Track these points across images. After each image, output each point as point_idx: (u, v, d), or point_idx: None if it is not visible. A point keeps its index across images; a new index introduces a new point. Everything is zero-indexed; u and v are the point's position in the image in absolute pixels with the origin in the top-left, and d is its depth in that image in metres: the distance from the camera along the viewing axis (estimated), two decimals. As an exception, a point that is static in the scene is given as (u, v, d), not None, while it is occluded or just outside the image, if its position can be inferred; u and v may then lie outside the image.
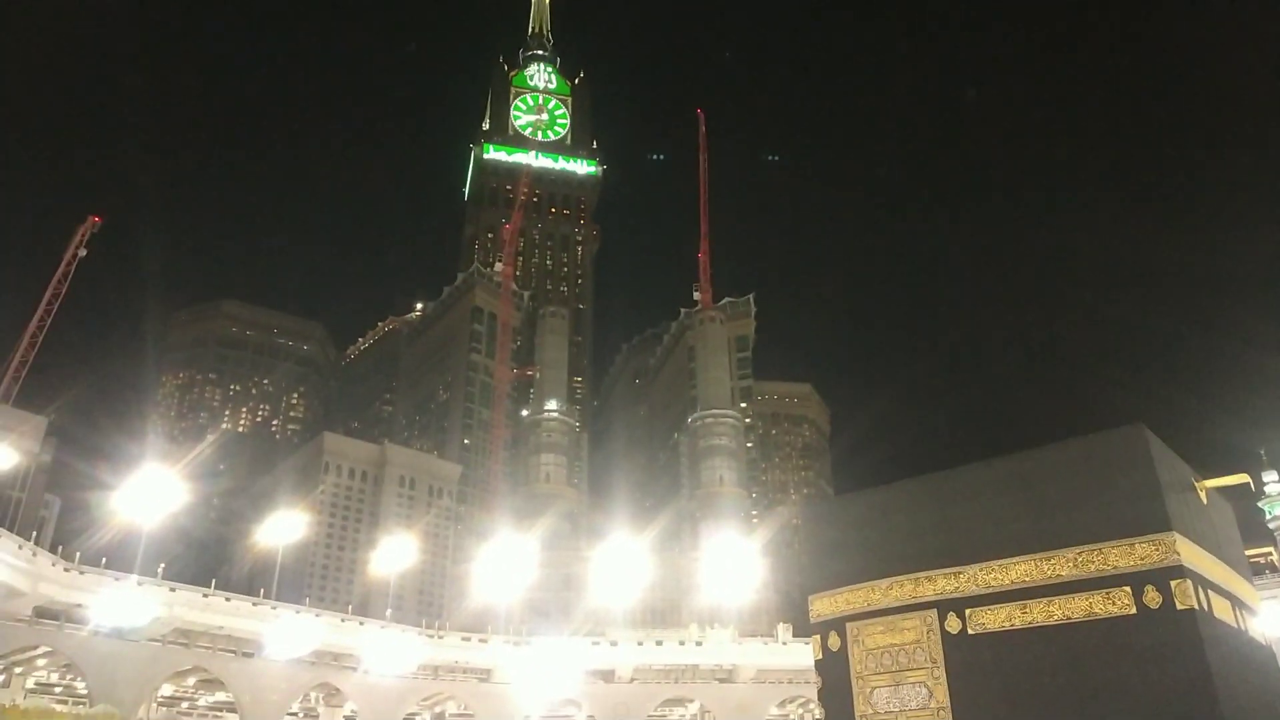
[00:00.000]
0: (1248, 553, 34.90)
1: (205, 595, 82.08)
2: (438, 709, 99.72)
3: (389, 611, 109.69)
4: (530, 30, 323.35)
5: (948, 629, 26.77)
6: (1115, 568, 23.74)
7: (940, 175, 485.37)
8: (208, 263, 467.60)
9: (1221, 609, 24.18)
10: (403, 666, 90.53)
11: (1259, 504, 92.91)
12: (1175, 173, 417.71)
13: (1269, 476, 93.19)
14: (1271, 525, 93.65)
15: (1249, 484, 31.35)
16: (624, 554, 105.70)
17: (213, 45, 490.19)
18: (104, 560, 79.15)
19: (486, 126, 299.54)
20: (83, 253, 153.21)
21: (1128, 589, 23.38)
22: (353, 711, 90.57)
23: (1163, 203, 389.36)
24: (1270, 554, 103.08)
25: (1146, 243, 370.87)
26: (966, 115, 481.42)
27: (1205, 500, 27.42)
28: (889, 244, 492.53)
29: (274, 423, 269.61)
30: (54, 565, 72.93)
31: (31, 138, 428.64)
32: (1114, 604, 23.62)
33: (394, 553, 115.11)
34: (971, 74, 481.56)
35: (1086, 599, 24.04)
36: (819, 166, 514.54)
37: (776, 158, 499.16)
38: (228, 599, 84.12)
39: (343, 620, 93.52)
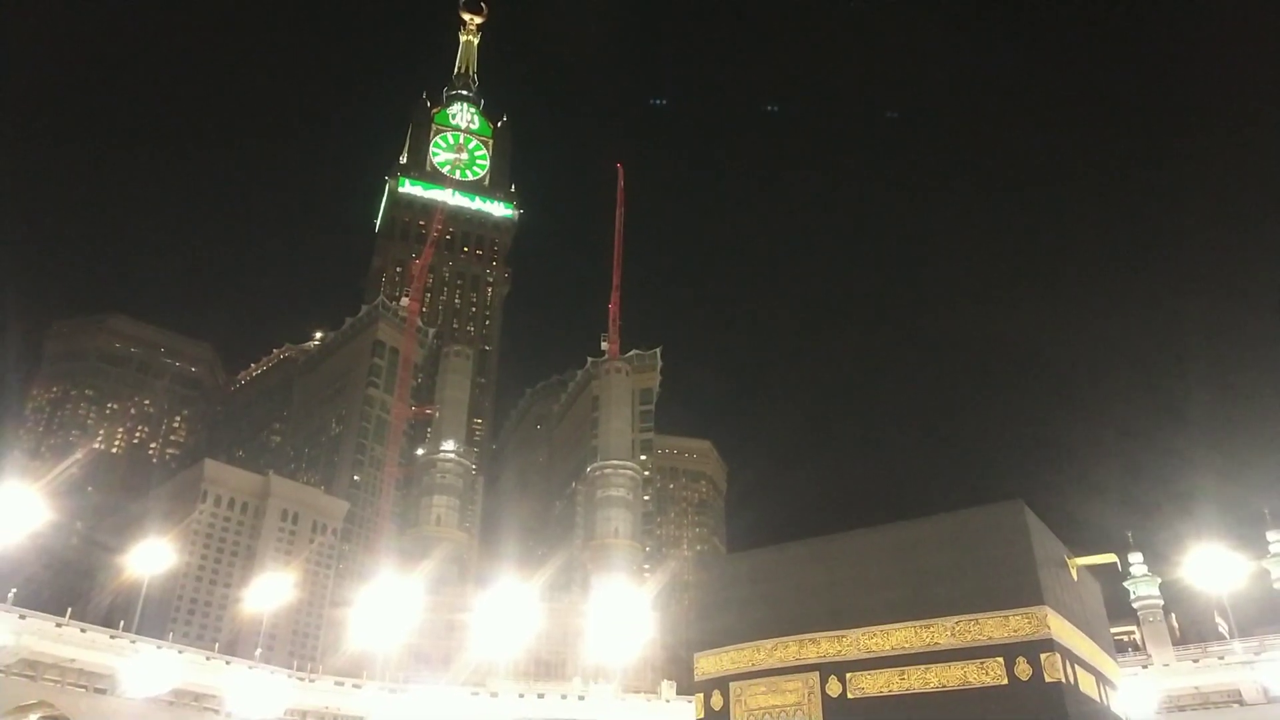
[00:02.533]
0: (1112, 630, 36.53)
1: (59, 625, 76.82)
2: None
3: (259, 651, 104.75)
4: (456, 70, 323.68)
5: (828, 692, 27.11)
6: (990, 638, 24.54)
7: (842, 245, 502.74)
8: (95, 274, 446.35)
9: (1087, 683, 25.18)
10: (269, 710, 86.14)
11: (1124, 584, 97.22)
12: (1059, 259, 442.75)
13: (1135, 557, 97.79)
14: (1135, 605, 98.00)
15: (1116, 563, 32.95)
16: (511, 602, 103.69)
17: (118, 45, 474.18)
18: (-54, 582, 73.46)
19: (404, 160, 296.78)
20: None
21: (1000, 660, 24.19)
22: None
23: (1053, 289, 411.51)
24: (1133, 632, 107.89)
25: (1036, 326, 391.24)
26: (864, 192, 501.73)
27: (1076, 577, 28.67)
28: (793, 309, 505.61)
29: (152, 445, 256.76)
30: (-112, 585, 67.33)
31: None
32: (987, 674, 24.37)
33: (269, 589, 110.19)
34: (874, 133, 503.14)
35: (962, 668, 24.75)
36: (729, 224, 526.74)
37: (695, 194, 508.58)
38: (83, 630, 78.88)
39: (208, 658, 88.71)
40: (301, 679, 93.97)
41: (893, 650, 25.72)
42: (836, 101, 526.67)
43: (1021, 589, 24.51)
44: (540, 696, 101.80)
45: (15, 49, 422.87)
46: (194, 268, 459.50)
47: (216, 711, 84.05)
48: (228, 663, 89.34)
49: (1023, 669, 23.31)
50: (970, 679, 24.00)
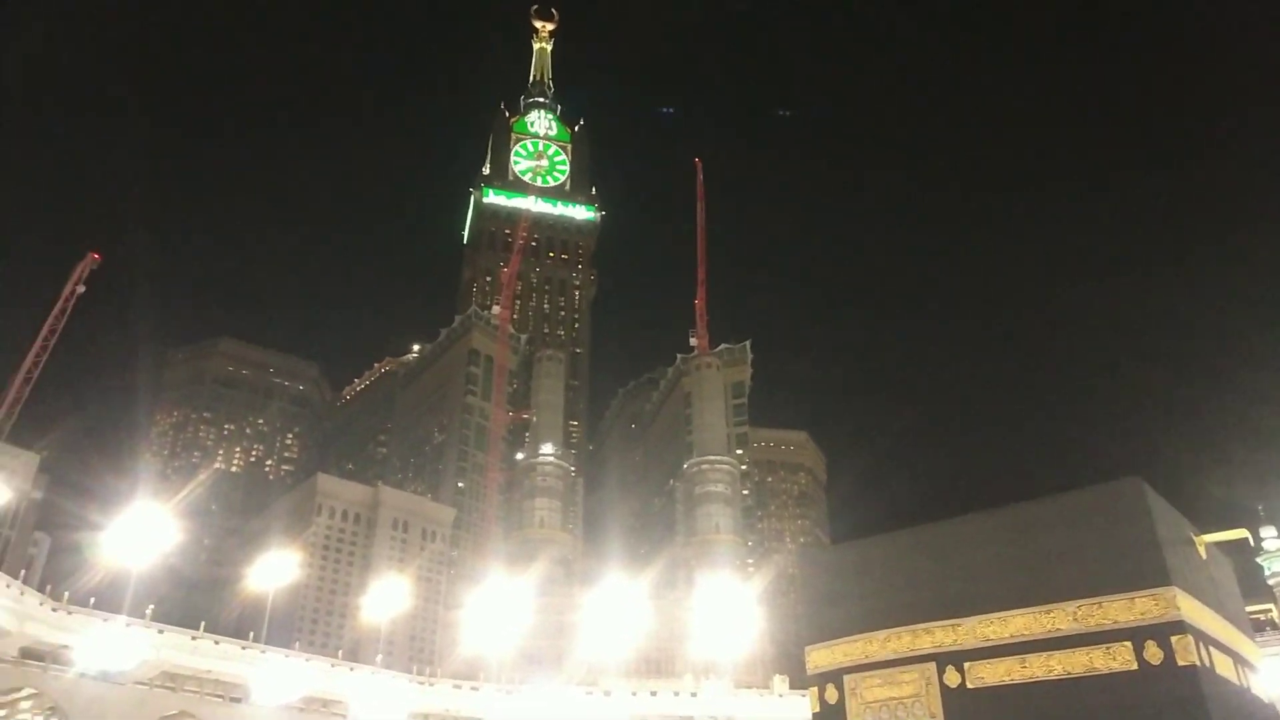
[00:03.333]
0: (1248, 609, 34.77)
1: (194, 638, 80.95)
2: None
3: (379, 657, 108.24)
4: (532, 78, 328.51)
5: (946, 682, 26.56)
6: (1115, 622, 23.64)
7: (941, 221, 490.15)
8: (206, 301, 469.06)
9: (1223, 665, 24.02)
10: (392, 713, 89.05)
11: (1258, 560, 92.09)
12: (1184, 228, 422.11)
13: (1267, 532, 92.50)
14: (1271, 581, 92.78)
15: (1248, 539, 31.41)
16: (618, 601, 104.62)
17: (217, 88, 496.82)
18: (92, 600, 78.21)
19: (487, 171, 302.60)
20: (81, 289, 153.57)
21: (1128, 644, 23.28)
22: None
23: (1170, 254, 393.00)
24: (1270, 611, 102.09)
25: (1152, 295, 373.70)
26: (969, 160, 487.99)
27: (1204, 555, 27.37)
28: (887, 291, 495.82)
29: (267, 463, 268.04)
30: (41, 604, 72.07)
31: (33, 174, 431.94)
32: (1114, 659, 23.48)
33: (385, 597, 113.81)
34: (978, 114, 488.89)
35: (1087, 654, 23.93)
36: (816, 213, 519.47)
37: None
38: (216, 642, 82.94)
39: (332, 665, 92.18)
40: (421, 682, 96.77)
41: (1012, 638, 25.09)
42: (926, 88, 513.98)
43: (1146, 570, 23.57)
44: (653, 694, 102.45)
45: (142, 101, 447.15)
46: (296, 291, 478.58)
47: (344, 716, 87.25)
48: (351, 669, 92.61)
49: (1153, 653, 22.43)
50: (1096, 664, 23.22)
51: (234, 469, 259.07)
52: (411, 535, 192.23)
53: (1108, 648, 23.29)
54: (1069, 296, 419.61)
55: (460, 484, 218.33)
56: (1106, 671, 23.11)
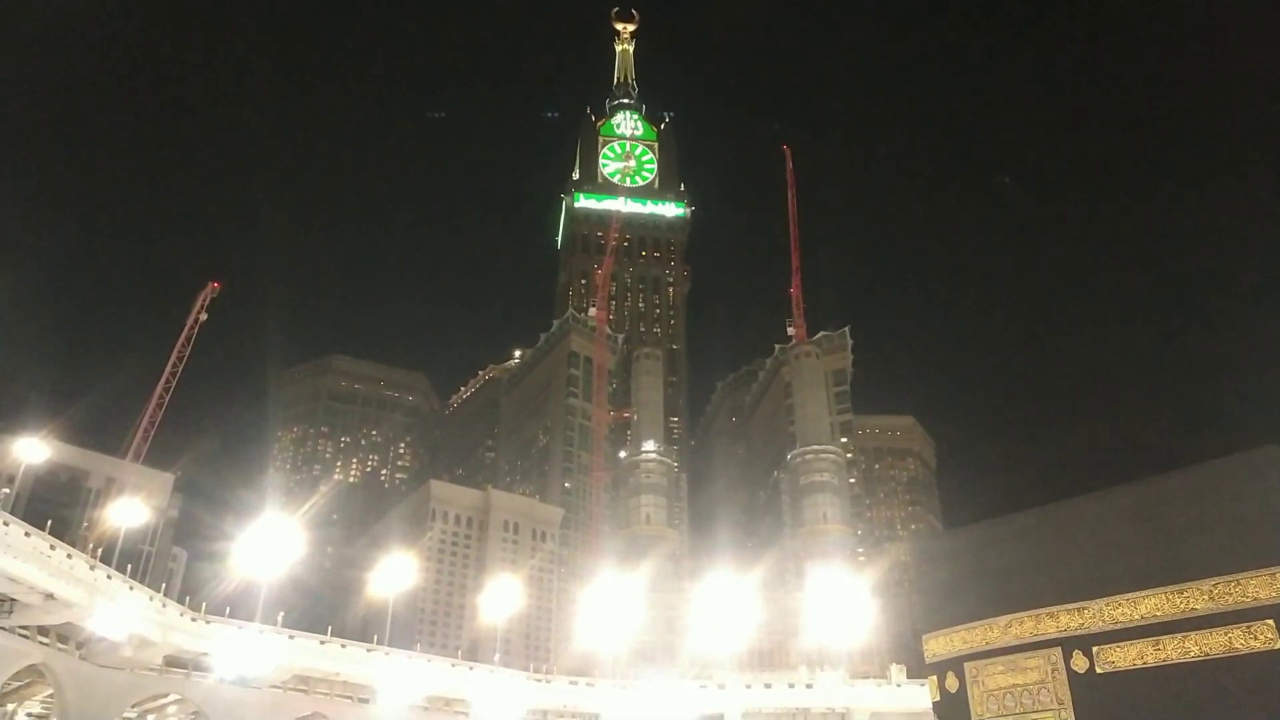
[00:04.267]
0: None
1: (322, 642, 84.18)
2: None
3: (497, 655, 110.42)
4: (615, 80, 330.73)
5: (1074, 668, 25.49)
6: (1255, 599, 22.20)
7: (1045, 190, 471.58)
8: (318, 320, 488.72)
9: (1380, 642, 22.32)
10: (512, 710, 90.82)
11: None
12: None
13: None
14: None
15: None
16: (728, 594, 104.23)
17: (323, 116, 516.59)
18: (228, 609, 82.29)
19: (576, 176, 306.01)
20: (204, 317, 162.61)
21: (1271, 622, 21.84)
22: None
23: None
24: None
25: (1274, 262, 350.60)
26: (1075, 131, 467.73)
27: (1353, 525, 25.53)
28: (989, 266, 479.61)
29: (383, 472, 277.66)
30: (181, 615, 76.17)
31: (157, 208, 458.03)
32: (1256, 639, 22.07)
33: (500, 597, 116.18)
34: (1082, 93, 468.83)
35: (1225, 634, 22.55)
36: (908, 194, 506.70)
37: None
38: (343, 645, 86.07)
39: (453, 665, 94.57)
40: (538, 680, 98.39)
41: (1142, 619, 23.93)
42: (1028, 64, 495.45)
43: (1287, 543, 22.14)
44: (767, 686, 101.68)
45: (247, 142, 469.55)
46: (400, 305, 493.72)
47: (466, 715, 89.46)
48: (471, 668, 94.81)
49: (1299, 631, 21.05)
50: (1236, 645, 21.95)
51: (352, 479, 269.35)
52: (522, 536, 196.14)
53: (1249, 626, 21.99)
54: (1195, 261, 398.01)
55: (567, 484, 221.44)
56: (1248, 652, 21.82)
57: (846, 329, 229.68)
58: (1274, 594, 21.82)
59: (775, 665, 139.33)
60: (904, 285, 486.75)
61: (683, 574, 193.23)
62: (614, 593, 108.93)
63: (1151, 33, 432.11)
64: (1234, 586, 22.69)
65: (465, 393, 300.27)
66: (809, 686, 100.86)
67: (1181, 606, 23.40)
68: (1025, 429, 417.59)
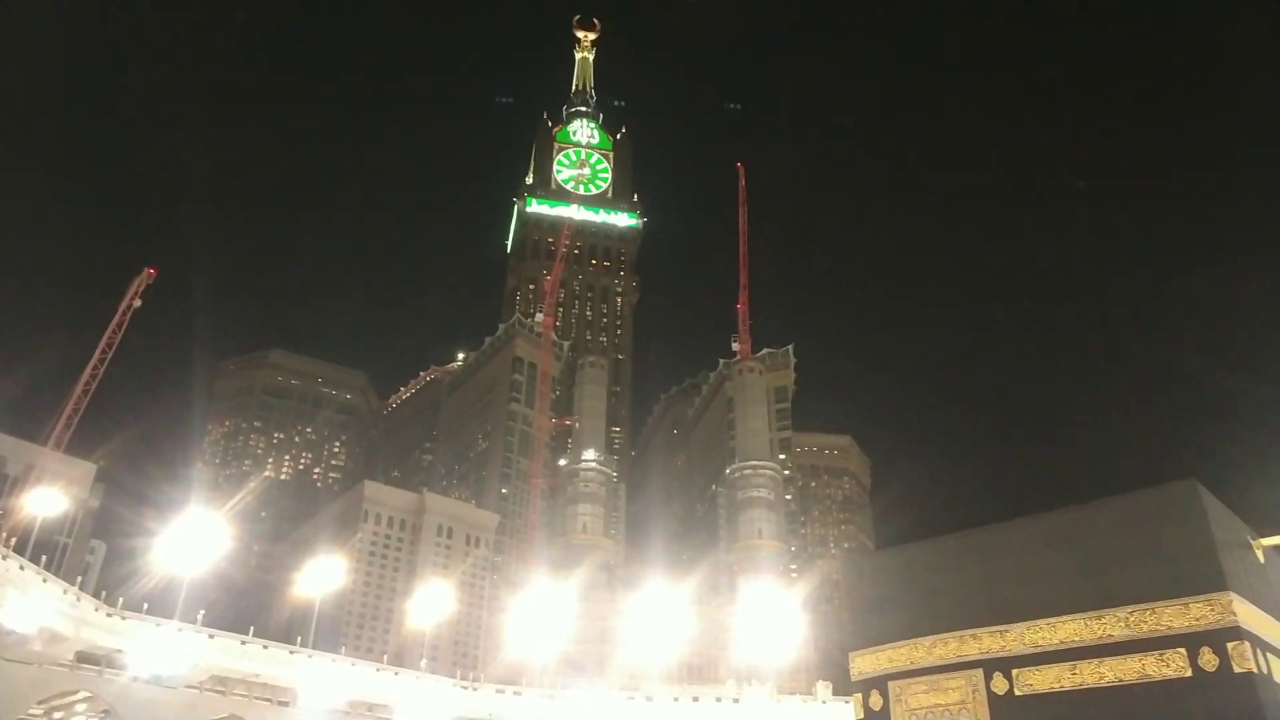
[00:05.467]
0: (1310, 615, 33.56)
1: (243, 642, 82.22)
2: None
3: (424, 661, 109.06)
4: (574, 87, 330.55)
5: (994, 689, 26.00)
6: (1169, 628, 22.93)
7: (986, 221, 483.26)
8: (256, 313, 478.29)
9: (1282, 673, 23.21)
10: (437, 718, 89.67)
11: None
12: (1238, 228, 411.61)
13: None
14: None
15: (1309, 543, 30.27)
16: (661, 606, 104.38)
17: (265, 99, 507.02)
18: (145, 606, 79.88)
19: (530, 180, 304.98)
20: (138, 303, 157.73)
21: (1182, 650, 22.57)
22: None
23: (1223, 256, 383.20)
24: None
25: (1205, 294, 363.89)
26: (1013, 163, 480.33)
27: (1262, 559, 26.48)
28: (932, 295, 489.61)
29: (316, 470, 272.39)
30: (96, 610, 73.75)
31: (91, 192, 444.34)
32: (1168, 666, 22.78)
33: (430, 602, 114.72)
34: (1019, 125, 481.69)
35: (1139, 660, 23.25)
36: (859, 217, 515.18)
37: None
38: (265, 646, 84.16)
39: (378, 670, 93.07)
40: (465, 687, 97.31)
41: (1061, 644, 24.49)
42: (962, 94, 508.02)
43: (1202, 574, 22.87)
44: (695, 700, 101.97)
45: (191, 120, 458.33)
46: (343, 302, 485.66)
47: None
48: (396, 673, 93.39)
49: (1208, 659, 21.73)
50: (1150, 671, 22.56)
51: (283, 477, 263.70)
52: (456, 541, 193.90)
53: (1161, 654, 22.62)
54: (1124, 294, 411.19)
55: (504, 490, 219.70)
56: (1160, 679, 22.44)
57: (790, 347, 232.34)
58: (1187, 623, 22.50)
59: (705, 679, 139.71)
60: (849, 306, 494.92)
61: (616, 584, 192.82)
62: (546, 601, 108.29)
63: (1097, 46, 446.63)
64: (1149, 615, 23.34)
65: (405, 393, 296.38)
66: (736, 701, 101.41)
67: (1099, 633, 23.99)
68: (959, 453, 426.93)
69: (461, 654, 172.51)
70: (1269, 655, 22.53)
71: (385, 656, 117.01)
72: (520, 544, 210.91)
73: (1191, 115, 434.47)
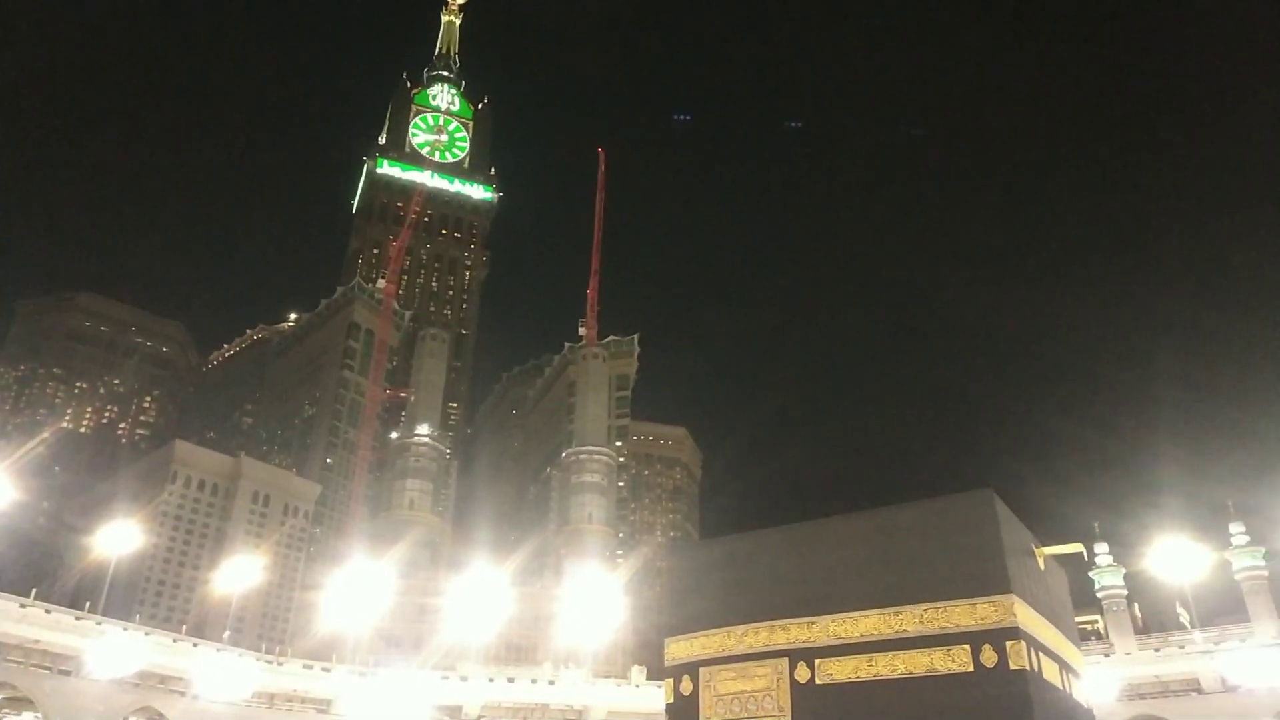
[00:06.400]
0: (1077, 619, 36.94)
1: (23, 605, 75.90)
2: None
3: (226, 634, 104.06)
4: (437, 50, 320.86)
5: (797, 678, 27.16)
6: (957, 626, 24.67)
7: (818, 234, 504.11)
8: (67, 253, 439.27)
9: (1050, 671, 25.41)
10: (236, 693, 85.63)
11: (1090, 574, 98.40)
12: (1031, 250, 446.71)
13: (1100, 548, 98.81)
14: (1100, 594, 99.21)
15: (1083, 553, 33.26)
16: (484, 586, 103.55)
17: (92, 23, 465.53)
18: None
19: (383, 141, 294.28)
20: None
21: (967, 647, 24.33)
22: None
23: (1025, 281, 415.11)
24: (1097, 622, 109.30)
25: (1008, 317, 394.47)
26: (847, 160, 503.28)
27: (1043, 566, 28.87)
28: (768, 296, 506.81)
29: (121, 425, 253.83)
30: None
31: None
32: (954, 661, 24.51)
33: (238, 572, 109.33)
34: (857, 113, 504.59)
35: (929, 655, 24.88)
36: (708, 211, 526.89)
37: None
38: (48, 610, 77.96)
39: (174, 640, 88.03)
40: (270, 662, 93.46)
41: (861, 637, 25.82)
42: (817, 92, 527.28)
43: (990, 577, 24.65)
44: (510, 680, 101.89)
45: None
46: (167, 246, 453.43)
47: (183, 694, 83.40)
48: (195, 645, 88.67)
49: (988, 656, 23.48)
50: (937, 666, 24.15)
51: (83, 429, 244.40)
52: (272, 510, 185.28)
53: (948, 650, 24.22)
54: (941, 306, 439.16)
55: (329, 460, 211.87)
56: (945, 672, 24.04)
57: (635, 336, 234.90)
58: (973, 622, 24.14)
59: (525, 660, 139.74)
60: (694, 301, 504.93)
61: (441, 562, 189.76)
62: (363, 576, 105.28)
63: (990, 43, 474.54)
64: (940, 613, 24.89)
65: (228, 351, 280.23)
66: (551, 683, 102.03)
67: (895, 627, 25.38)
68: (784, 452, 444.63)
69: (270, 627, 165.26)
70: (1041, 654, 24.55)
71: (185, 627, 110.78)
72: (341, 517, 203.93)
73: (1036, 122, 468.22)
